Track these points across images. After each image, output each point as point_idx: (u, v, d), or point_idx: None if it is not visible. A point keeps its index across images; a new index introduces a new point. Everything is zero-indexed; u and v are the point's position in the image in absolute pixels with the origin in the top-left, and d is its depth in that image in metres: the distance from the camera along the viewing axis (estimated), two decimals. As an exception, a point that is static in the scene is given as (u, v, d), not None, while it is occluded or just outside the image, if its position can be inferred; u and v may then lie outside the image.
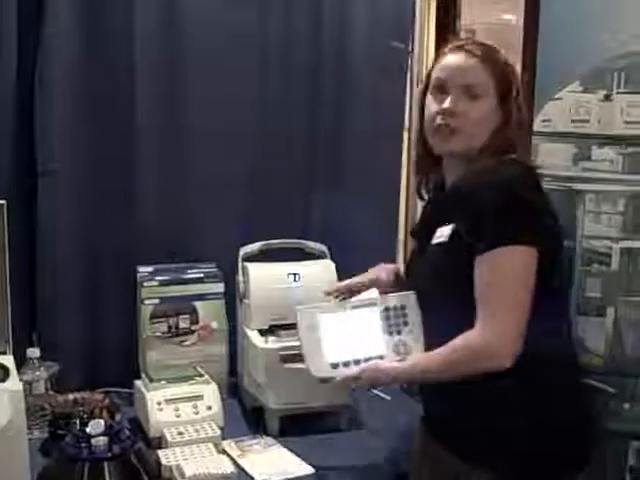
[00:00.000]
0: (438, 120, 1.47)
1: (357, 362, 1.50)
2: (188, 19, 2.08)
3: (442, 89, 1.48)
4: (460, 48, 1.49)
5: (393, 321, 1.54)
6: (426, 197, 1.63)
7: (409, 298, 1.55)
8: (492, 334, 1.35)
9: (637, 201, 1.56)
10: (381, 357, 1.51)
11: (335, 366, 1.50)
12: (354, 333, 1.54)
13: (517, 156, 1.46)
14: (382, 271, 1.72)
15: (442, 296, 1.43)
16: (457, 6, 2.58)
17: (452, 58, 1.49)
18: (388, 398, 2.02)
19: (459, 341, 1.38)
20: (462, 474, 1.42)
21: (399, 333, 1.53)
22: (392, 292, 1.60)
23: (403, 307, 1.55)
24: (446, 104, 1.46)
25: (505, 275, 1.35)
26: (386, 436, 1.80)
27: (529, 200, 1.38)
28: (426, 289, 1.49)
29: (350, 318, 1.56)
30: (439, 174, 1.57)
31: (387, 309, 1.55)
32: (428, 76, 1.54)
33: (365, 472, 1.65)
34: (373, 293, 1.66)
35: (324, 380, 1.52)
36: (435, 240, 1.46)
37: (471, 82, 1.46)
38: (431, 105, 1.50)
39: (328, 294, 1.71)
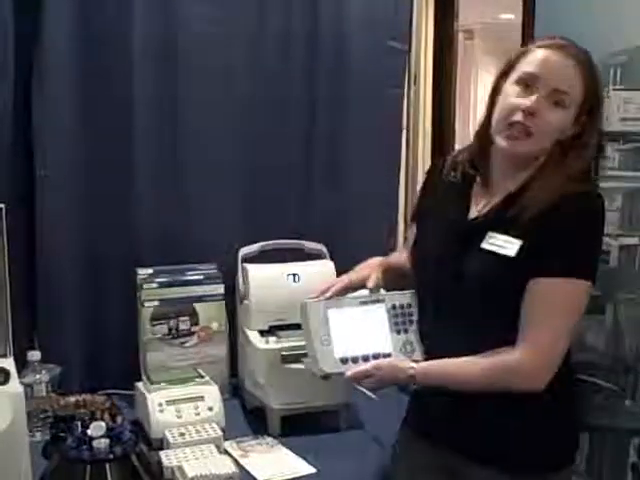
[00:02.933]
0: (517, 116, 1.35)
1: (365, 358, 1.48)
2: (185, 20, 2.08)
3: (528, 84, 1.37)
4: (561, 48, 1.36)
5: (400, 319, 1.54)
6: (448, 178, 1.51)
7: (414, 297, 1.55)
8: (537, 359, 1.34)
9: (634, 197, 1.56)
10: (388, 355, 1.50)
11: (344, 361, 1.48)
12: (362, 329, 1.52)
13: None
14: (372, 270, 1.63)
15: (486, 305, 1.38)
16: (455, 5, 2.58)
17: (552, 56, 1.36)
18: (376, 398, 1.98)
19: (499, 357, 1.35)
20: (461, 471, 1.44)
21: (406, 332, 1.53)
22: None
23: (409, 305, 1.55)
24: (532, 102, 1.34)
25: (565, 306, 1.34)
26: (388, 435, 1.80)
27: (602, 237, 1.38)
28: (468, 294, 1.40)
29: (358, 314, 1.54)
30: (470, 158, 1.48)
31: (394, 307, 1.55)
32: (512, 65, 1.41)
33: (367, 471, 1.65)
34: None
35: (326, 376, 1.50)
36: (490, 247, 1.38)
37: (562, 88, 1.35)
38: (512, 97, 1.38)
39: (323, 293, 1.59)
